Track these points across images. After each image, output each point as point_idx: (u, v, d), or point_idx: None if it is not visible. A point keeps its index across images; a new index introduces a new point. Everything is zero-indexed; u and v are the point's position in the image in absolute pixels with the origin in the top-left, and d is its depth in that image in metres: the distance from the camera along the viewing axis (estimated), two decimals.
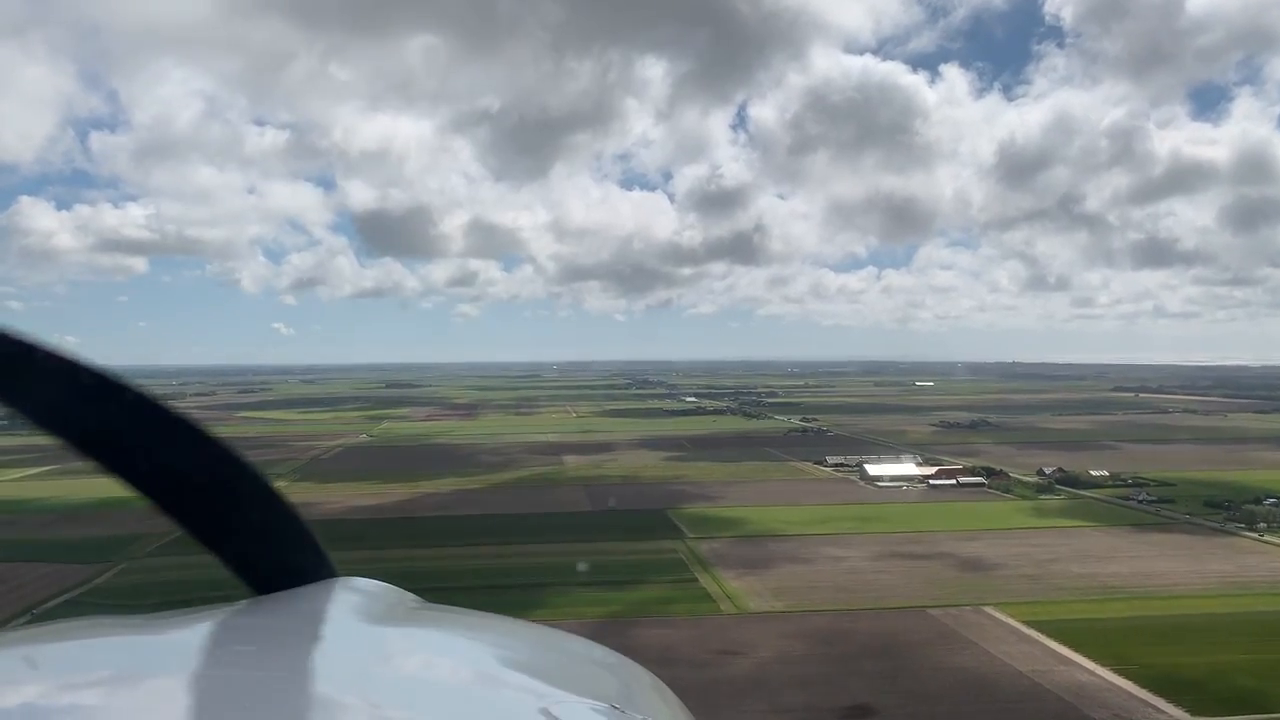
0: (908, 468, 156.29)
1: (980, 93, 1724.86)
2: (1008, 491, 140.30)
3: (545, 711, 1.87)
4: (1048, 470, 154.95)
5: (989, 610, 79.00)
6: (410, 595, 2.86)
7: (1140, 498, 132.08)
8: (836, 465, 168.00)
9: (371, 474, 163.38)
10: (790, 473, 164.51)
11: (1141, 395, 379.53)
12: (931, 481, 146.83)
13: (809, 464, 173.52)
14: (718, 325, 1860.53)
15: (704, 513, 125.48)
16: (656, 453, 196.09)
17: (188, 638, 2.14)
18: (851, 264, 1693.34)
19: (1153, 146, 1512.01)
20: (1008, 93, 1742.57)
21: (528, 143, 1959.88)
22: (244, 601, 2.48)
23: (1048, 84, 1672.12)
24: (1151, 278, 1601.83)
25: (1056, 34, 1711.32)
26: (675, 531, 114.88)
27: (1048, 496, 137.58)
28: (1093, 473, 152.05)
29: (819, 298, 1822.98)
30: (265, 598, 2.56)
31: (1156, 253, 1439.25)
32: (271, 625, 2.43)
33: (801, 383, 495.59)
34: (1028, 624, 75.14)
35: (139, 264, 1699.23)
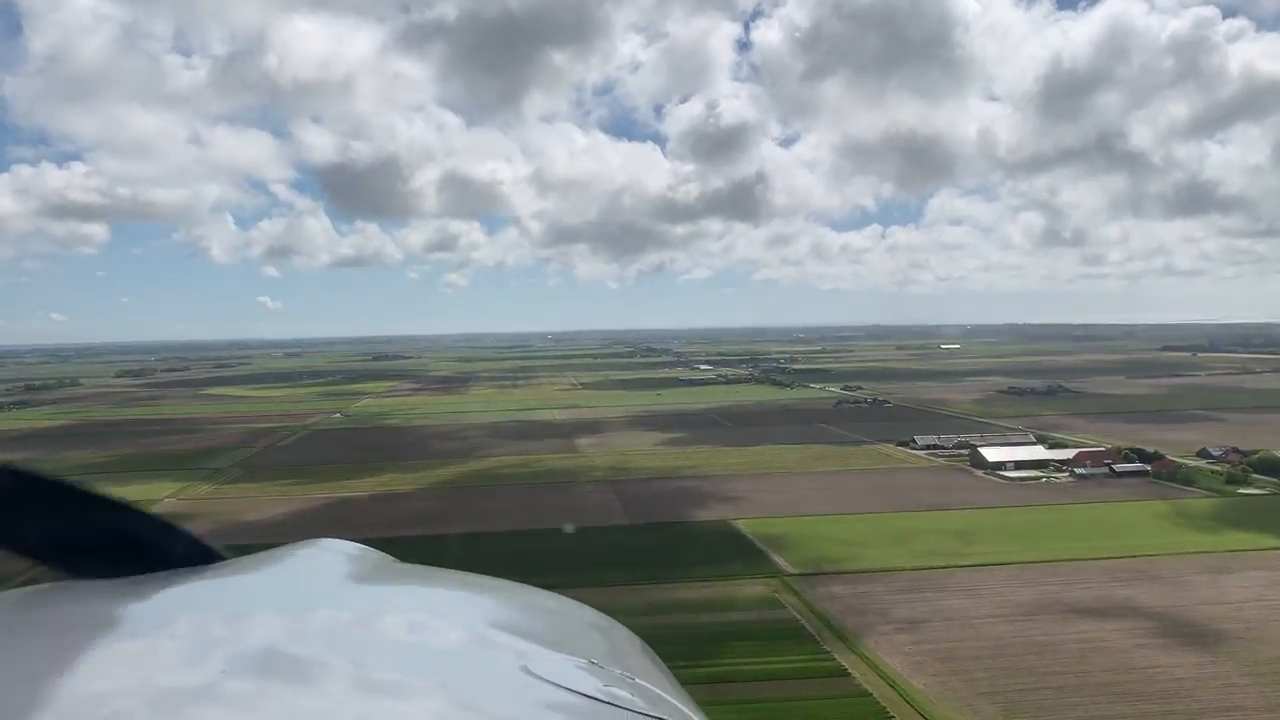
0: (1035, 450, 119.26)
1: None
2: (1188, 483, 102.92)
3: (526, 668, 1.89)
4: (1214, 451, 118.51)
5: None
6: (387, 556, 2.90)
7: None
8: (929, 448, 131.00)
9: (333, 467, 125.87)
10: (874, 459, 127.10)
11: (1199, 355, 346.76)
12: (1076, 469, 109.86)
13: (889, 446, 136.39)
14: (713, 291, 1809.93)
15: (789, 528, 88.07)
16: (690, 432, 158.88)
17: (165, 600, 2.07)
18: (858, 219, 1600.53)
19: (1220, 61, 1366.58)
20: None
21: (494, 62, 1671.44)
22: (220, 563, 2.44)
23: None
24: (1175, 229, 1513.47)
25: None
26: (759, 559, 77.76)
27: (1249, 490, 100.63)
28: None
29: (819, 259, 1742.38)
30: (240, 559, 2.53)
31: (1193, 198, 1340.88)
32: (250, 586, 2.38)
33: (817, 348, 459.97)
34: None
35: (98, 232, 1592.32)
